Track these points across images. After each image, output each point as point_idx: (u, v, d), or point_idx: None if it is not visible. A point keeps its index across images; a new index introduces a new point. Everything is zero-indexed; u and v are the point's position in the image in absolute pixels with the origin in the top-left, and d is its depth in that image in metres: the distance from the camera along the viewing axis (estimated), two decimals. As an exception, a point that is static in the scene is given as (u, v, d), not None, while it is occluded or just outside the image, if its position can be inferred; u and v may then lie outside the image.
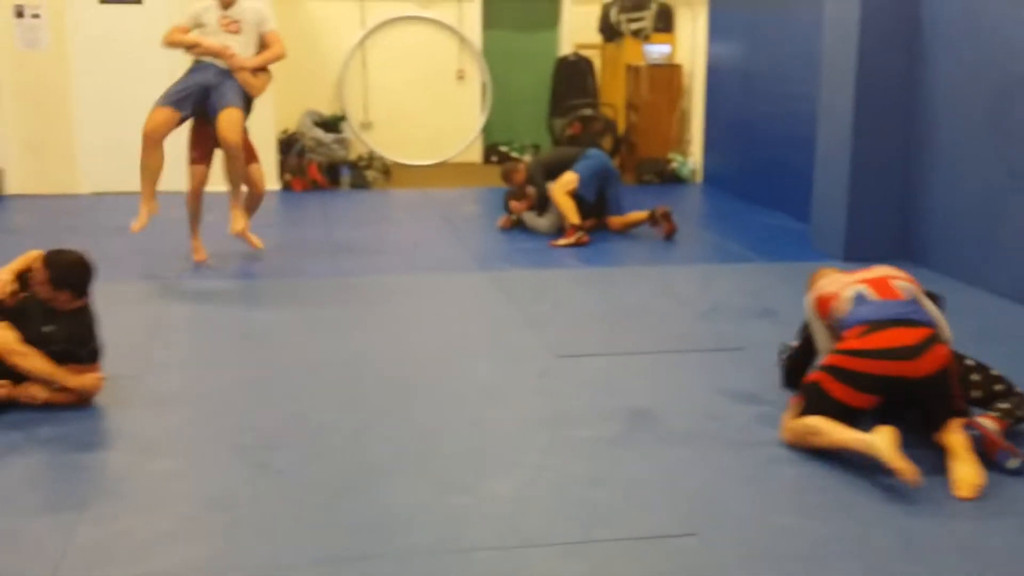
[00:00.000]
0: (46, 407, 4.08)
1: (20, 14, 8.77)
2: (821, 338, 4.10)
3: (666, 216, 7.51)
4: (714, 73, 9.80)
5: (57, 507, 3.35)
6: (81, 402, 4.13)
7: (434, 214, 8.55)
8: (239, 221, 6.57)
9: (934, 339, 3.73)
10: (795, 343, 4.39)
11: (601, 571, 3.02)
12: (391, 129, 11.08)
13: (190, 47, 6.47)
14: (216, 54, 6.40)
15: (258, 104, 9.06)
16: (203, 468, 3.69)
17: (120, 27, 9.00)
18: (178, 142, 6.73)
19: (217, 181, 6.87)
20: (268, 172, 6.94)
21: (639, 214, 7.74)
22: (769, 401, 4.29)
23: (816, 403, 3.75)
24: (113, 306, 5.04)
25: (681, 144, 10.46)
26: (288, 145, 9.79)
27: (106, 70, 9.00)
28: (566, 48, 11.50)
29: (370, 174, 10.05)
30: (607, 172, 7.75)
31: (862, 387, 3.69)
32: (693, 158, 10.33)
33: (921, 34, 6.57)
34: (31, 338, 4.04)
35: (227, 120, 6.32)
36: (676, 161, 10.23)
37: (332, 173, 9.82)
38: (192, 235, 6.74)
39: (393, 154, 10.99)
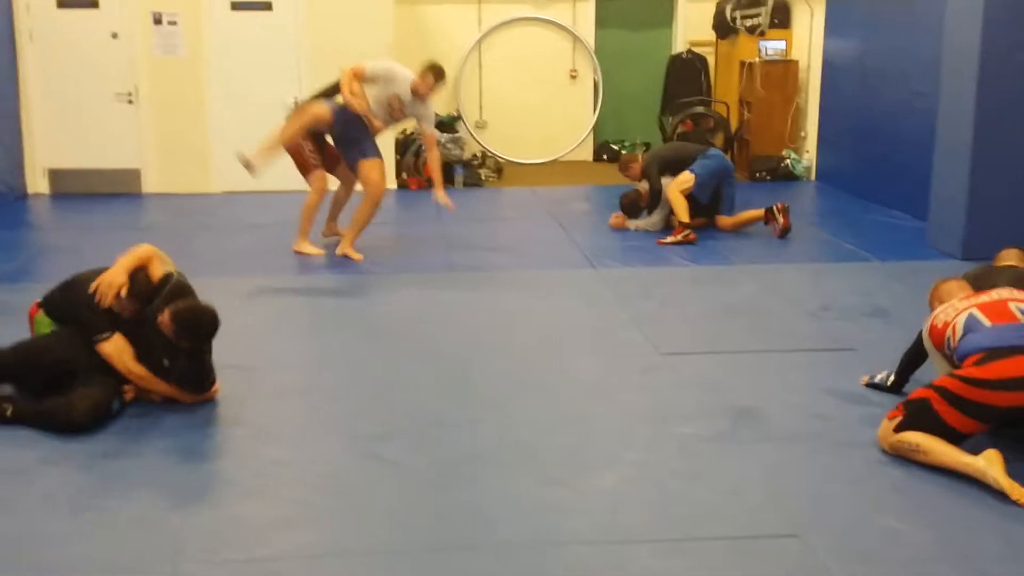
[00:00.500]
0: (165, 401, 4.30)
1: (158, 21, 9.23)
2: (939, 366, 4.03)
3: (785, 211, 7.41)
4: (830, 69, 9.61)
5: (178, 493, 3.54)
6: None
7: (545, 211, 8.65)
8: (345, 245, 6.93)
9: None
10: (885, 374, 4.36)
11: (700, 570, 3.05)
12: (504, 128, 11.23)
13: (360, 112, 6.75)
14: (374, 131, 6.85)
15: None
16: (316, 456, 3.85)
17: (251, 32, 9.38)
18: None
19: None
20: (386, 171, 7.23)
21: (752, 213, 7.67)
22: (877, 402, 4.22)
23: (922, 420, 3.66)
24: (235, 300, 5.28)
25: (795, 141, 10.29)
26: (405, 145, 10.03)
27: (237, 74, 9.39)
28: (680, 46, 11.44)
29: (483, 172, 10.22)
30: (725, 172, 7.68)
31: (974, 415, 3.59)
32: (808, 155, 10.15)
33: (1049, 26, 6.33)
34: (150, 367, 4.22)
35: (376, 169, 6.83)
36: (790, 158, 10.08)
37: (447, 172, 10.02)
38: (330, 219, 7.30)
39: (506, 153, 11.14)
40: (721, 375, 4.65)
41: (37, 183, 9.39)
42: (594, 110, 11.44)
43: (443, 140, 10.15)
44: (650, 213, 7.73)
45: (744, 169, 10.10)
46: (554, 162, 11.35)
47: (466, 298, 6.02)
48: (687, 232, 7.28)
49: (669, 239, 7.31)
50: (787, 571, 3.04)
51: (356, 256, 6.85)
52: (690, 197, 7.42)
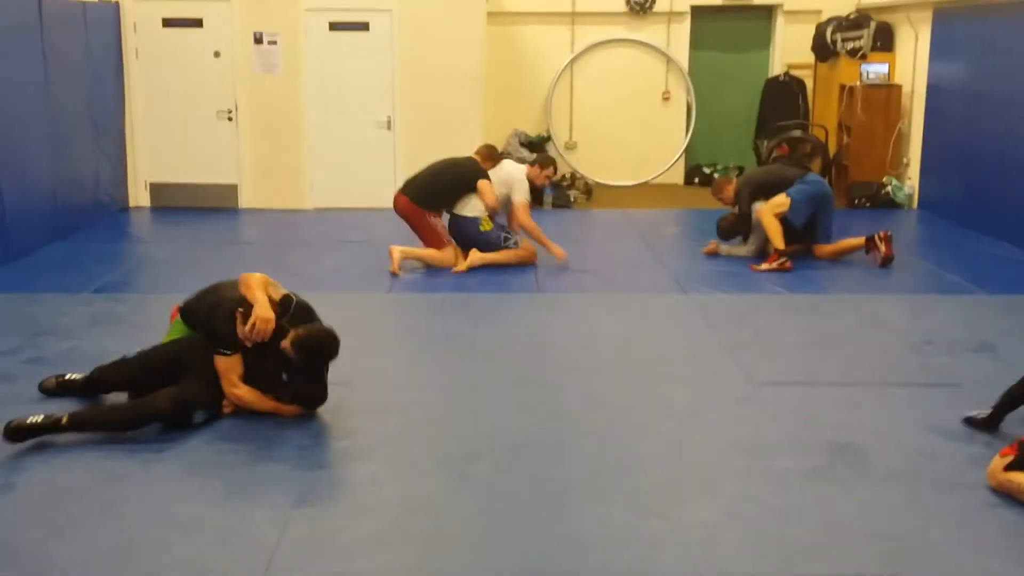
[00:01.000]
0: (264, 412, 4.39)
1: (259, 40, 9.46)
2: None
3: (888, 240, 7.19)
4: (935, 93, 9.34)
5: (273, 504, 3.59)
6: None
7: (635, 234, 8.57)
8: (474, 259, 7.20)
9: None
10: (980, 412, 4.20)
11: (797, 607, 2.96)
12: (594, 150, 11.19)
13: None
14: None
15: (467, 123, 9.49)
16: (408, 475, 3.85)
17: (347, 52, 9.54)
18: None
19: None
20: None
21: (852, 241, 7.46)
22: (985, 441, 4.05)
23: None
24: (330, 316, 5.31)
25: (897, 167, 10.02)
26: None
27: (333, 93, 9.55)
28: (777, 68, 11.27)
29: (572, 193, 10.19)
30: (823, 199, 7.46)
31: None
32: (909, 182, 9.88)
33: None
34: (267, 380, 4.34)
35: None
36: (891, 185, 9.81)
37: (535, 192, 10.01)
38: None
39: (595, 174, 11.09)
40: (818, 408, 4.51)
41: (139, 196, 9.67)
42: (686, 133, 11.33)
43: (528, 160, 10.14)
44: (743, 238, 7.58)
45: (842, 195, 9.87)
46: (644, 184, 11.26)
47: (555, 321, 5.98)
48: (783, 259, 7.11)
49: (764, 266, 7.16)
50: (890, 616, 2.92)
51: (461, 267, 7.09)
52: (784, 222, 7.26)
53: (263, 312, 4.25)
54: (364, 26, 9.50)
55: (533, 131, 11.01)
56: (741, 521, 3.48)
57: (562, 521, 3.46)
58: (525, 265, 7.21)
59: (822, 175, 9.70)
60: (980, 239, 8.16)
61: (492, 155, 7.55)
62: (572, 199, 10.11)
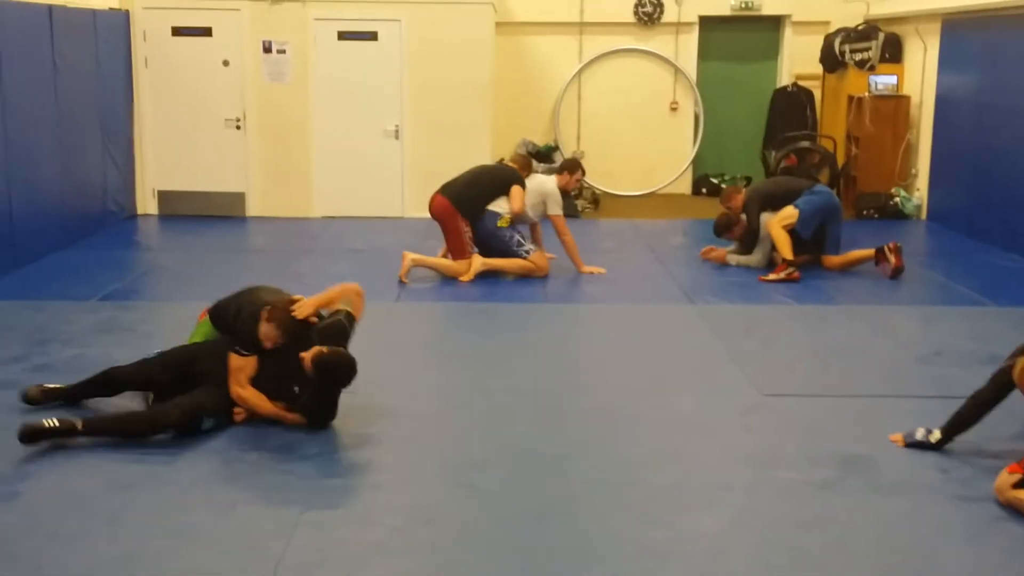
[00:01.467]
0: (273, 421, 4.37)
1: (268, 49, 9.48)
2: None
3: (897, 251, 7.16)
4: (944, 104, 9.32)
5: (279, 513, 3.57)
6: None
7: (642, 244, 8.55)
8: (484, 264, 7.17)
9: None
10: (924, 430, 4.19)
11: (805, 620, 2.94)
12: (602, 159, 11.18)
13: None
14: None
15: (475, 132, 9.49)
16: (412, 484, 3.84)
17: (356, 61, 9.54)
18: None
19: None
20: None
21: (861, 252, 7.43)
22: (996, 454, 4.02)
23: None
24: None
25: (906, 178, 9.99)
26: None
27: (341, 102, 9.56)
28: (785, 79, 11.26)
29: (580, 203, 10.18)
30: (831, 210, 7.43)
31: None
32: (918, 193, 9.85)
33: None
34: (278, 388, 4.34)
35: None
36: (900, 196, 9.78)
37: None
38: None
39: (603, 184, 11.08)
40: (826, 419, 4.48)
41: (146, 204, 9.68)
42: (694, 143, 11.32)
43: (539, 170, 10.14)
44: (747, 249, 7.56)
45: (850, 206, 9.84)
46: (651, 194, 11.25)
47: (562, 331, 5.96)
48: (791, 270, 7.09)
49: (771, 276, 7.13)
50: (899, 630, 2.89)
51: (467, 276, 7.07)
52: (792, 233, 7.23)
53: (312, 299, 4.41)
54: (373, 35, 9.51)
55: (541, 141, 11.00)
56: (748, 532, 3.45)
57: (568, 531, 3.44)
58: (532, 278, 7.19)
59: (830, 186, 9.68)
60: (989, 250, 8.13)
61: (527, 165, 7.73)
62: (579, 209, 10.10)
